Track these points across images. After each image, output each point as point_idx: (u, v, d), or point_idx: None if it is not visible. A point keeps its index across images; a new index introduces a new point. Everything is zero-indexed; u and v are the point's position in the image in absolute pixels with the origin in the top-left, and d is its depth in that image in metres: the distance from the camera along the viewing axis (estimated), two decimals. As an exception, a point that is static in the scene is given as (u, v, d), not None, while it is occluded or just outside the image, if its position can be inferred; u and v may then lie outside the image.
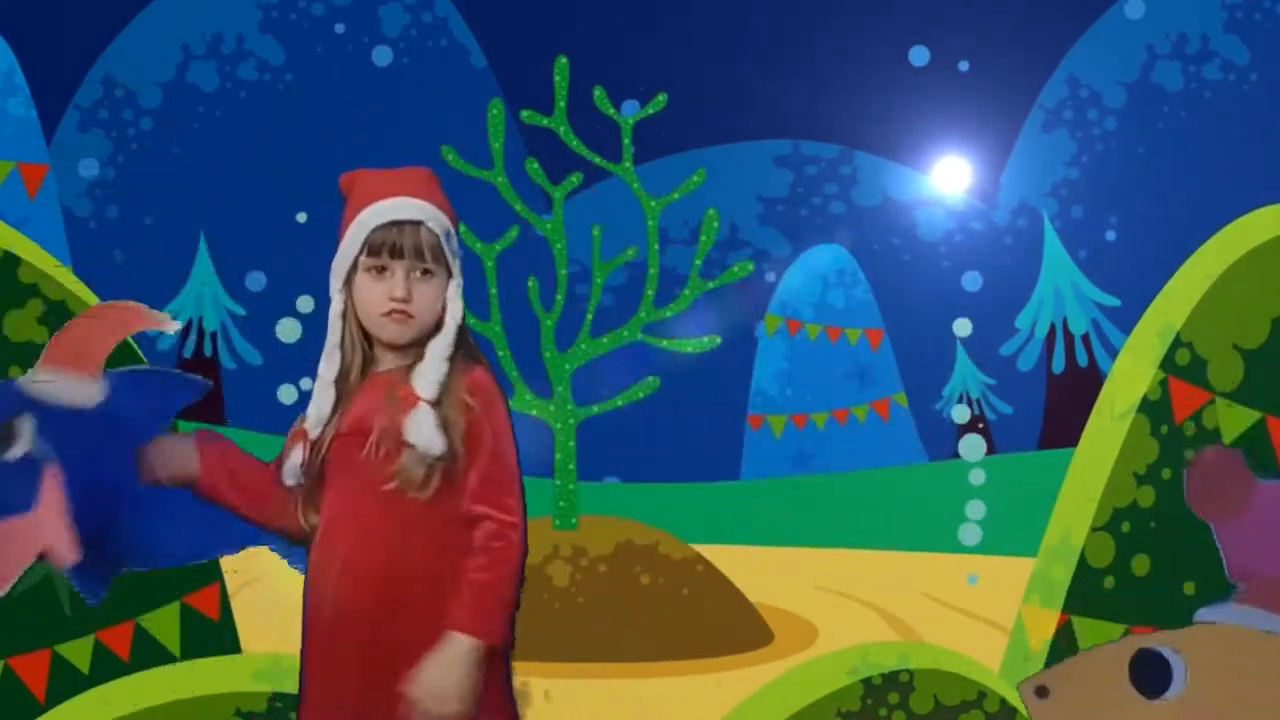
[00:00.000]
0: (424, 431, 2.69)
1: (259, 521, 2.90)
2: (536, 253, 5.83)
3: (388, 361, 2.79)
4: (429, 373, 2.72)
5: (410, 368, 2.76)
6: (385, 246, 2.74)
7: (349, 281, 2.78)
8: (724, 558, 6.10)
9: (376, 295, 2.75)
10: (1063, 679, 2.74)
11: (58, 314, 4.13)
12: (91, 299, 4.21)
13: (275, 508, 2.88)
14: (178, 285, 7.85)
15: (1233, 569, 2.65)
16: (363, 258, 2.75)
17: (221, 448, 2.87)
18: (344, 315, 2.80)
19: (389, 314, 2.76)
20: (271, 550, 2.98)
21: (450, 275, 2.76)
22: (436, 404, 2.70)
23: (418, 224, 2.73)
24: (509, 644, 2.71)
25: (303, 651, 2.84)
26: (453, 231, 2.78)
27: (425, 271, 2.74)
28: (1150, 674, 2.60)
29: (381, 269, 2.75)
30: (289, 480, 2.82)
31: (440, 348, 2.73)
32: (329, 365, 2.80)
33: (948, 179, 7.32)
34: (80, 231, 7.66)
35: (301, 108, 7.43)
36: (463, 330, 2.79)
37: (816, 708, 3.66)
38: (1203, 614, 2.63)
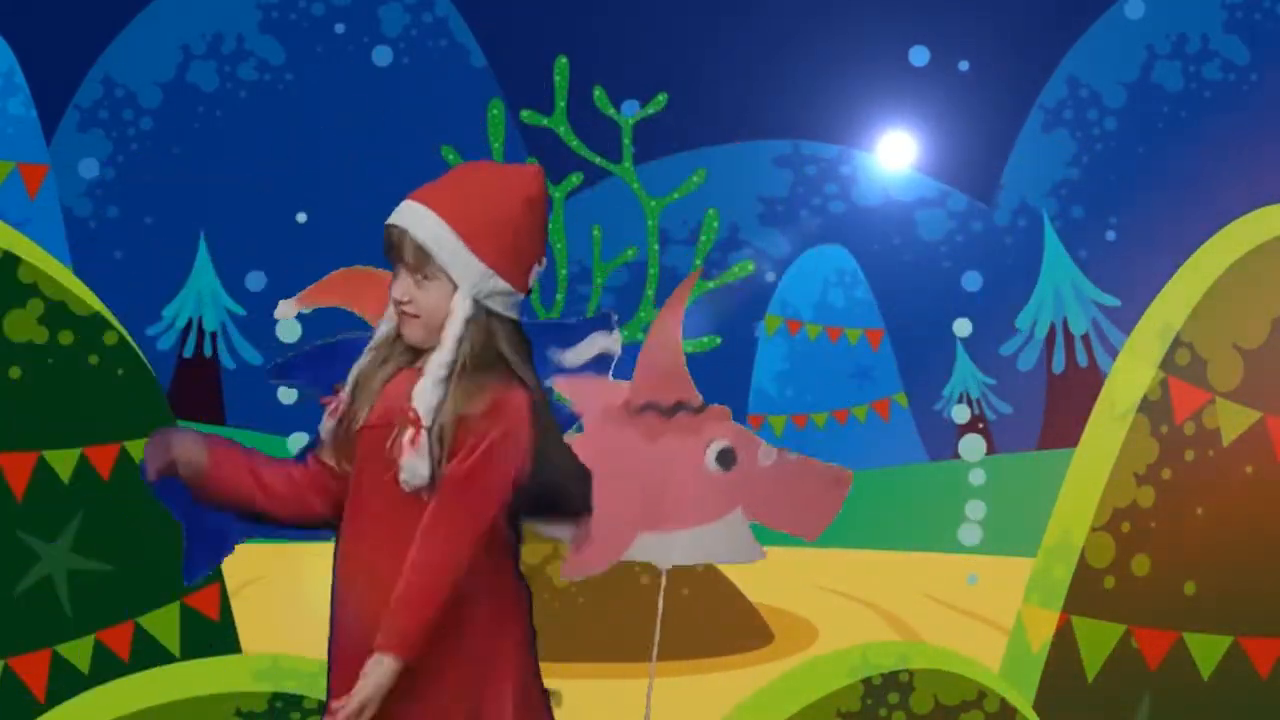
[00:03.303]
0: (413, 461, 2.69)
1: (269, 513, 2.87)
2: (536, 253, 5.83)
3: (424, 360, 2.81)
4: (425, 395, 2.71)
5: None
6: (384, 247, 2.76)
7: None
8: (724, 558, 6.09)
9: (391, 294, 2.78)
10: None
11: (58, 314, 4.12)
12: (92, 299, 4.20)
13: (291, 496, 2.85)
14: (178, 285, 7.86)
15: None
16: None
17: (229, 441, 2.87)
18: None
19: (400, 313, 2.78)
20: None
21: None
22: (433, 425, 2.68)
23: (401, 229, 2.74)
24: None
25: (330, 660, 2.81)
26: (451, 239, 2.73)
27: (425, 276, 2.74)
28: None
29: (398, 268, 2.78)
30: (325, 438, 2.82)
31: (435, 366, 2.72)
32: (363, 355, 2.83)
33: (947, 179, 7.32)
34: (80, 231, 7.67)
35: (301, 108, 7.44)
36: (487, 350, 2.74)
37: (816, 708, 3.65)
38: None
